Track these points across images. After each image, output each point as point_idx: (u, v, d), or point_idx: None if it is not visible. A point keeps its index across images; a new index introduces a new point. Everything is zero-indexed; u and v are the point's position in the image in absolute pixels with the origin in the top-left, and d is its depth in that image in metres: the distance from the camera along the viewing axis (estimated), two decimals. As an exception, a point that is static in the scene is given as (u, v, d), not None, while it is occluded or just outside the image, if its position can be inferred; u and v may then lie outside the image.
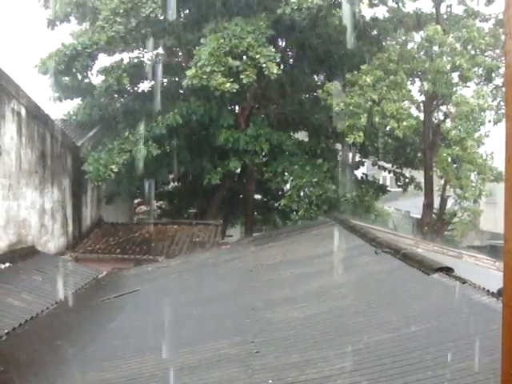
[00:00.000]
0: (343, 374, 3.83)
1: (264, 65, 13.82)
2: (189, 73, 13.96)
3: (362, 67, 15.33)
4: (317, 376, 3.90)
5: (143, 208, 23.27)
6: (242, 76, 13.88)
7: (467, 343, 3.85)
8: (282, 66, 15.18)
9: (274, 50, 14.46)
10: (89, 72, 16.56)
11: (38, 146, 13.40)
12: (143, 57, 18.18)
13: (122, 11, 14.60)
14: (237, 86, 13.99)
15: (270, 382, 3.97)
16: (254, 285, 7.90)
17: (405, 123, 14.71)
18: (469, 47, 15.65)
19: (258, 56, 13.83)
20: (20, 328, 8.20)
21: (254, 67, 13.99)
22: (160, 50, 18.22)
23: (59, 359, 6.36)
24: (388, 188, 21.63)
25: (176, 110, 15.56)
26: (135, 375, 5.01)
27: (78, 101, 18.10)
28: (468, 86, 16.15)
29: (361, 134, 14.61)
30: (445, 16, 17.50)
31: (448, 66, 14.96)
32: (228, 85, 13.72)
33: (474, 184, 15.98)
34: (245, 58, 14.10)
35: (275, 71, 13.90)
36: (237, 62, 13.84)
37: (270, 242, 12.14)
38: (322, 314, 5.54)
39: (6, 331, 7.88)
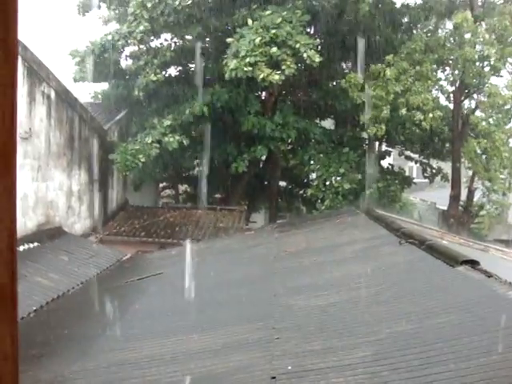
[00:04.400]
0: (364, 363, 3.83)
1: (305, 54, 13.67)
2: (231, 65, 13.80)
3: (388, 58, 15.10)
4: (337, 364, 3.90)
5: (168, 192, 23.44)
6: (283, 67, 13.74)
7: (491, 337, 3.81)
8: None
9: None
10: (118, 58, 16.76)
11: (66, 129, 13.60)
12: (171, 44, 18.16)
13: (149, 5, 14.67)
14: (283, 78, 13.88)
15: (290, 368, 3.99)
16: (276, 271, 7.92)
17: (431, 115, 14.46)
18: (500, 36, 15.19)
19: (297, 45, 13.68)
20: (47, 306, 8.41)
21: (293, 56, 13.87)
22: (188, 36, 18.20)
23: (83, 338, 6.51)
24: (414, 179, 21.33)
25: (201, 99, 15.54)
26: (156, 356, 5.09)
27: (105, 84, 18.28)
28: (501, 76, 15.75)
29: (382, 126, 14.49)
30: (480, 2, 17.03)
31: (477, 56, 14.59)
32: (277, 77, 13.60)
33: (503, 176, 15.66)
34: (284, 47, 13.96)
35: (317, 60, 13.75)
36: (278, 52, 13.71)
37: (294, 230, 12.14)
38: (344, 303, 5.53)
39: (34, 308, 8.09)
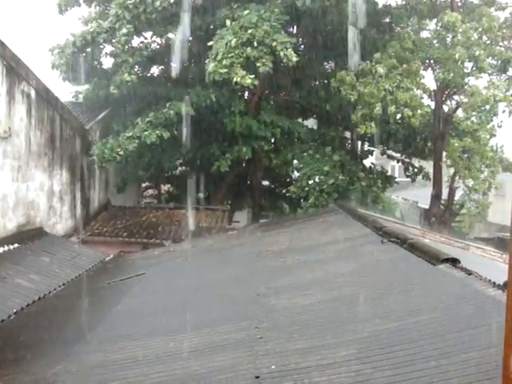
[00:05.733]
0: (347, 361, 3.85)
1: (281, 52, 13.66)
2: (209, 68, 13.78)
3: (376, 55, 15.15)
4: (320, 363, 3.92)
5: (150, 192, 23.32)
6: (258, 64, 13.71)
7: (471, 334, 3.86)
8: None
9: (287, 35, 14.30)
10: (99, 55, 16.59)
11: (47, 129, 13.44)
12: (150, 43, 18.01)
13: (131, 6, 14.57)
14: (256, 82, 13.88)
15: (273, 367, 4.00)
16: (259, 271, 7.93)
17: (419, 111, 14.55)
18: (484, 37, 15.37)
19: (274, 43, 13.65)
20: (28, 308, 8.30)
21: (270, 54, 13.84)
22: (171, 35, 18.09)
23: (65, 340, 6.44)
24: (396, 178, 21.54)
25: (186, 98, 15.47)
26: (140, 357, 5.06)
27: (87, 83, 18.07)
28: (481, 77, 15.94)
29: (373, 124, 14.53)
30: (459, 4, 17.22)
31: (465, 56, 14.71)
32: (249, 81, 13.58)
33: (483, 176, 15.85)
34: (260, 46, 13.91)
35: (294, 59, 13.73)
36: (254, 52, 13.67)
37: (277, 229, 12.17)
38: (327, 302, 5.56)
39: (15, 311, 7.99)
